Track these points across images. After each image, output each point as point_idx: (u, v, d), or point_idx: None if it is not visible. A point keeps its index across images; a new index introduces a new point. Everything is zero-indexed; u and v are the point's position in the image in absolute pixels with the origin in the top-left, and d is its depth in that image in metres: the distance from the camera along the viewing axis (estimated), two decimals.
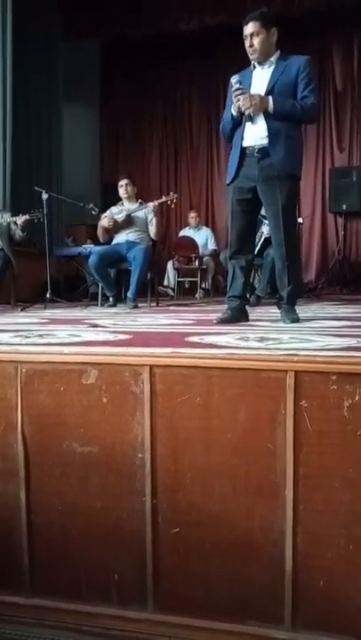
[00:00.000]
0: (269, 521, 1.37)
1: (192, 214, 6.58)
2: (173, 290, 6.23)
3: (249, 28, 2.50)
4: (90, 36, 6.66)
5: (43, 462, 1.50)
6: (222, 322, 2.58)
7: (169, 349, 1.48)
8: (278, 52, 2.57)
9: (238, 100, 2.46)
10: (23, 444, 1.51)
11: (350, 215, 6.75)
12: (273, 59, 2.56)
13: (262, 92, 2.49)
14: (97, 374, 1.44)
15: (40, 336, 1.92)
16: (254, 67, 2.60)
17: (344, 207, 6.56)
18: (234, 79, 2.52)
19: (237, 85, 2.49)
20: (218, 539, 1.41)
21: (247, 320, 2.70)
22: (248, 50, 2.54)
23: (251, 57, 2.57)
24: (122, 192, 4.55)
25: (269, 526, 1.38)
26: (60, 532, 1.51)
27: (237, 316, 2.66)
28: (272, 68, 2.54)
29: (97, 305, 4.50)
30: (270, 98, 2.45)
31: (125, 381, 1.43)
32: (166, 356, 1.44)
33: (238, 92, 2.47)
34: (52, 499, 1.50)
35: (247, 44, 2.52)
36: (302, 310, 3.11)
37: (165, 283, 6.35)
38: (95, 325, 2.49)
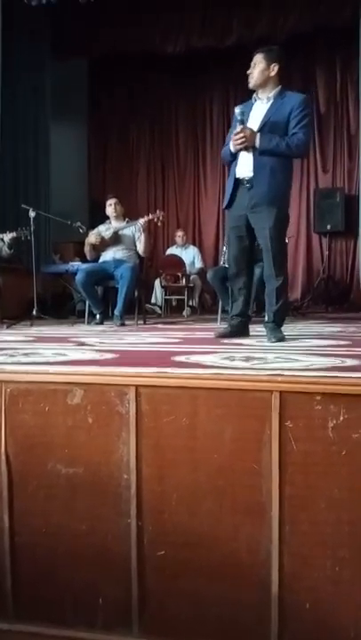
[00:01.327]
0: (256, 541, 1.37)
1: (179, 233, 6.65)
2: (161, 308, 6.25)
3: (254, 59, 2.71)
4: (78, 54, 6.75)
5: (27, 483, 1.48)
6: (222, 336, 2.79)
7: (155, 369, 1.48)
8: (279, 87, 2.72)
9: (236, 139, 2.64)
10: (7, 464, 1.49)
11: (335, 235, 6.86)
12: (272, 95, 2.71)
13: (256, 126, 2.66)
14: (82, 394, 1.43)
15: (25, 354, 1.91)
16: (255, 100, 2.78)
17: (329, 227, 6.67)
18: (238, 109, 2.69)
19: (240, 117, 2.66)
20: (204, 560, 1.40)
21: (248, 336, 2.87)
22: (249, 77, 2.73)
23: (249, 84, 2.75)
24: (110, 211, 4.58)
25: (256, 547, 1.37)
26: (44, 554, 1.49)
27: (238, 332, 2.84)
28: (270, 103, 2.70)
29: (84, 322, 4.49)
30: (258, 135, 2.64)
31: (111, 401, 1.43)
32: (152, 376, 1.44)
33: (238, 130, 2.64)
34: (36, 520, 1.48)
35: (249, 71, 2.72)
36: (288, 329, 3.14)
37: (153, 300, 6.37)
38: (81, 344, 2.49)
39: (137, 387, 1.42)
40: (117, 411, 1.42)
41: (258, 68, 2.68)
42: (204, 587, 1.40)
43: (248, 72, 2.72)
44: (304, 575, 1.34)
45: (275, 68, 2.68)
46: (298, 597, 1.35)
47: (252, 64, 2.70)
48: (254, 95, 2.78)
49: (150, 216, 4.46)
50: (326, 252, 6.92)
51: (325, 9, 5.81)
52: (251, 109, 2.75)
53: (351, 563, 1.31)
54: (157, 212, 4.61)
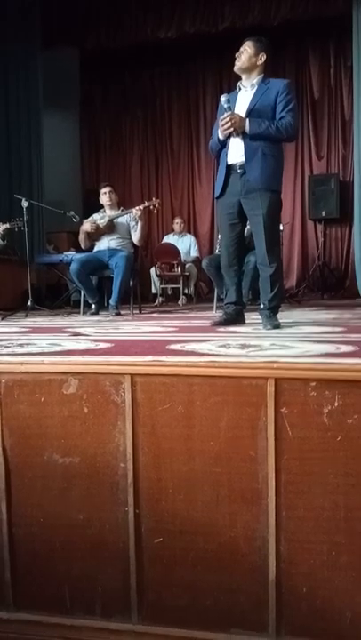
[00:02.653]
0: (253, 528, 1.38)
1: (177, 220, 6.60)
2: (157, 296, 6.24)
3: (244, 44, 2.76)
4: (69, 44, 6.66)
5: (23, 474, 1.48)
6: (218, 324, 2.80)
7: (150, 358, 1.47)
8: (262, 75, 2.78)
9: (223, 124, 2.66)
10: (3, 455, 1.49)
11: (330, 222, 6.84)
12: (255, 81, 2.76)
13: (243, 113, 2.70)
14: (78, 384, 1.43)
15: (20, 345, 1.90)
16: (239, 89, 2.82)
17: (323, 214, 6.65)
18: (223, 98, 2.73)
19: (226, 105, 2.69)
20: (202, 547, 1.41)
21: (243, 323, 2.89)
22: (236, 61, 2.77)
23: (235, 67, 2.78)
24: (105, 199, 4.54)
25: (253, 534, 1.38)
26: (43, 544, 1.49)
27: (233, 320, 2.86)
28: (255, 90, 2.75)
29: (79, 313, 4.47)
30: (247, 120, 2.66)
31: (106, 391, 1.42)
32: (147, 364, 1.44)
33: (224, 116, 2.67)
34: (34, 511, 1.49)
35: (237, 54, 2.76)
36: (284, 316, 3.14)
37: (154, 291, 6.35)
38: (77, 334, 2.48)
39: (132, 375, 1.41)
40: (113, 400, 1.42)
41: (246, 53, 2.72)
42: (201, 574, 1.41)
43: (236, 54, 2.75)
44: (301, 561, 1.35)
45: (262, 58, 2.74)
46: (295, 583, 1.36)
47: (241, 49, 2.74)
48: (239, 84, 2.84)
49: (146, 203, 4.42)
50: (321, 239, 6.91)
51: None
52: (236, 98, 2.78)
53: (347, 548, 1.32)
54: (153, 199, 4.58)
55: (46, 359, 1.51)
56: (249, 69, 2.75)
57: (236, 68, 2.78)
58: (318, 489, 1.33)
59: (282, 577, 1.36)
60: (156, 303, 5.99)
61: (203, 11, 6.18)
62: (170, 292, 6.48)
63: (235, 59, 2.77)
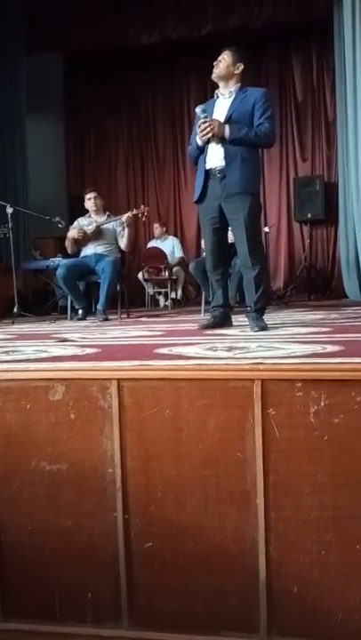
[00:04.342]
0: (242, 530, 1.38)
1: (156, 225, 6.63)
2: (154, 301, 6.27)
3: (222, 54, 2.80)
4: (52, 48, 6.65)
5: (11, 482, 1.47)
6: (206, 327, 2.82)
7: (137, 362, 1.47)
8: (239, 84, 2.82)
9: (202, 129, 2.70)
10: None
11: (315, 223, 6.89)
12: (233, 89, 2.80)
13: (222, 120, 2.72)
14: (64, 390, 1.42)
15: (6, 352, 1.89)
16: (217, 96, 2.86)
17: (309, 215, 6.69)
18: (198, 109, 2.77)
19: (203, 115, 2.73)
20: (192, 550, 1.41)
21: (231, 326, 2.91)
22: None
23: (212, 75, 2.82)
24: (90, 205, 4.54)
25: (242, 535, 1.38)
26: (31, 552, 1.48)
27: (221, 322, 2.88)
28: (232, 97, 2.79)
29: (66, 318, 4.46)
30: (227, 126, 2.70)
31: (93, 396, 1.42)
32: (134, 369, 1.43)
33: (203, 120, 2.70)
34: (22, 518, 1.47)
35: (215, 62, 2.80)
36: (271, 318, 3.15)
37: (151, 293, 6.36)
38: (63, 340, 2.47)
39: (119, 380, 1.41)
40: (100, 405, 1.42)
41: (224, 62, 2.77)
42: (192, 577, 1.41)
43: (214, 63, 2.79)
44: (290, 561, 1.35)
45: (240, 67, 2.79)
46: (285, 583, 1.36)
47: (220, 58, 2.79)
48: (216, 92, 2.88)
49: (135, 211, 4.43)
50: (308, 241, 6.95)
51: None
52: (213, 106, 2.82)
53: (336, 546, 1.33)
54: (142, 207, 4.59)
55: (32, 366, 1.50)
56: (227, 77, 2.79)
57: (214, 76, 2.82)
58: (306, 489, 1.34)
59: (272, 577, 1.36)
60: (163, 306, 5.96)
61: (185, 14, 6.20)
62: (158, 297, 6.48)
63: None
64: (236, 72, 2.79)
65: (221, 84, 2.82)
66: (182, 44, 6.46)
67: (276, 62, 7.22)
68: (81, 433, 1.43)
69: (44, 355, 1.79)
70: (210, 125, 2.68)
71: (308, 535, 1.34)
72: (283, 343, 1.93)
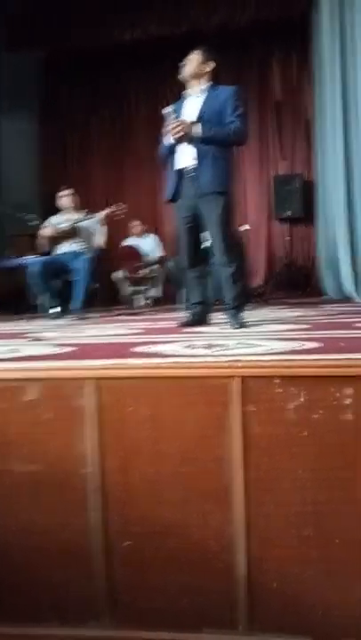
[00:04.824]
0: (222, 527, 1.38)
1: (135, 223, 6.57)
2: (133, 299, 6.22)
3: (190, 55, 2.81)
4: (32, 46, 6.55)
5: None
6: (184, 325, 2.81)
7: (114, 361, 1.46)
8: (210, 82, 2.82)
9: (172, 129, 2.69)
10: None
11: (295, 221, 6.93)
12: (204, 88, 2.80)
13: (193, 119, 2.71)
14: (39, 390, 1.40)
15: None
16: (186, 96, 2.86)
17: (289, 213, 6.73)
18: (165, 110, 2.77)
19: (172, 116, 2.72)
20: (172, 548, 1.40)
21: (209, 323, 2.91)
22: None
23: (179, 75, 2.84)
24: (66, 202, 4.49)
25: (223, 532, 1.38)
26: (10, 554, 1.45)
27: (199, 320, 2.88)
28: (204, 96, 2.79)
29: (41, 317, 4.40)
30: (199, 125, 2.69)
31: (70, 395, 1.39)
32: (111, 367, 1.42)
33: (172, 120, 2.70)
34: (1, 520, 1.44)
35: (182, 63, 2.81)
36: (250, 315, 3.16)
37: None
38: (39, 339, 2.43)
39: (96, 379, 1.39)
40: (76, 404, 1.40)
41: (193, 61, 2.78)
42: (172, 575, 1.40)
43: (180, 64, 2.79)
44: (270, 557, 1.35)
45: (210, 65, 2.79)
46: (265, 579, 1.36)
47: (188, 58, 2.79)
48: (183, 92, 2.87)
49: (113, 208, 4.39)
50: (287, 238, 6.99)
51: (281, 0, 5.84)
52: (182, 106, 2.82)
53: (316, 542, 1.33)
54: (120, 204, 4.55)
55: (6, 365, 1.47)
56: (198, 76, 2.79)
57: (182, 75, 2.81)
58: (286, 485, 1.34)
59: (252, 573, 1.36)
60: (145, 304, 5.93)
61: (168, 12, 6.18)
62: (137, 295, 6.45)
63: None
64: (207, 70, 2.79)
65: (191, 83, 2.82)
66: (164, 42, 6.44)
67: (256, 62, 7.24)
68: (57, 433, 1.40)
69: (17, 354, 1.76)
70: (179, 125, 2.67)
71: (289, 531, 1.34)
72: (262, 340, 1.93)
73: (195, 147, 2.69)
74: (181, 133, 2.67)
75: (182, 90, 2.92)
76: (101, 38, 6.35)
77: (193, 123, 2.68)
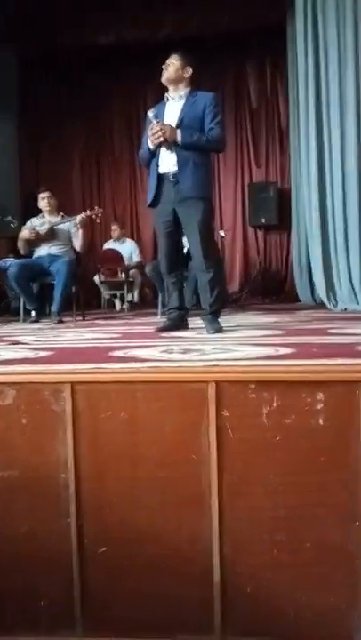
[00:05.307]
0: (197, 532, 1.39)
1: (114, 227, 6.57)
2: (110, 303, 6.21)
3: (170, 58, 2.81)
4: (5, 46, 6.49)
5: None
6: (162, 330, 2.80)
7: (91, 365, 1.46)
8: (189, 88, 2.85)
9: (153, 134, 2.71)
10: None
11: (269, 228, 7.02)
12: (183, 93, 2.83)
13: (173, 124, 2.74)
14: (15, 394, 1.39)
15: None
16: (168, 99, 2.88)
17: (263, 221, 6.81)
18: (151, 113, 2.77)
19: (155, 120, 2.73)
20: (147, 554, 1.40)
21: (187, 328, 2.92)
22: (162, 74, 2.82)
23: (162, 80, 2.84)
24: (43, 204, 4.45)
25: (197, 537, 1.39)
26: None
27: (177, 325, 2.89)
28: (183, 102, 2.82)
29: (19, 321, 4.35)
30: (179, 131, 2.71)
31: (46, 400, 1.39)
32: (88, 372, 1.42)
33: (155, 124, 2.71)
34: None
35: (163, 66, 2.81)
36: (226, 320, 3.19)
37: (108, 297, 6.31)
38: (15, 342, 2.41)
39: (72, 383, 1.39)
40: (53, 409, 1.39)
41: (173, 65, 2.79)
42: (147, 582, 1.40)
43: (163, 66, 2.81)
44: (244, 561, 1.37)
45: (188, 71, 2.82)
46: (239, 583, 1.37)
47: (168, 62, 2.81)
48: (166, 95, 2.89)
49: (88, 212, 4.37)
50: (262, 245, 7.08)
51: (256, 9, 5.92)
52: (164, 110, 2.84)
53: (288, 546, 1.36)
54: (95, 208, 4.53)
55: None
56: (176, 81, 2.82)
57: (163, 79, 2.84)
58: (259, 489, 1.36)
59: (226, 578, 1.37)
60: (120, 309, 5.92)
61: (142, 18, 6.21)
62: (114, 299, 6.44)
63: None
64: (186, 75, 2.82)
65: (171, 88, 2.84)
66: (140, 47, 6.46)
67: (232, 70, 7.33)
68: (33, 438, 1.40)
69: None
70: (161, 130, 2.69)
71: (261, 535, 1.36)
72: (237, 345, 1.95)
73: (175, 152, 2.71)
74: (161, 139, 2.70)
75: (159, 94, 2.95)
76: (75, 41, 6.34)
77: (172, 128, 2.71)
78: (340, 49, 4.48)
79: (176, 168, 2.73)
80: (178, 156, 2.72)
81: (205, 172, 2.81)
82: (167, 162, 2.75)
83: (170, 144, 2.71)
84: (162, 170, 2.78)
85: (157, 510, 1.39)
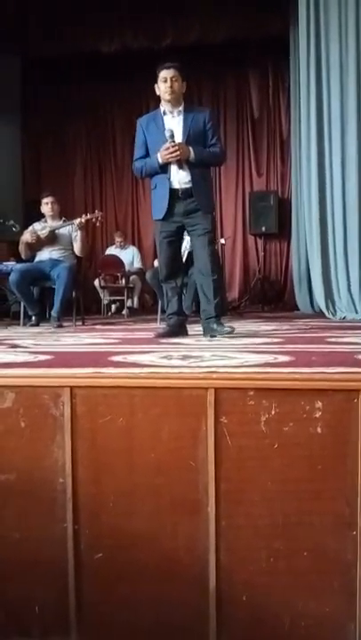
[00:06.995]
0: (194, 539, 1.38)
1: (118, 239, 6.63)
2: (110, 309, 6.22)
3: (170, 73, 2.79)
4: (9, 52, 6.54)
5: None
6: (161, 336, 2.83)
7: (90, 370, 1.46)
8: (183, 103, 2.88)
9: (170, 153, 2.72)
10: None
11: (269, 237, 7.05)
12: (180, 108, 2.87)
13: (178, 140, 2.78)
14: (14, 397, 1.39)
15: None
16: (165, 113, 2.88)
17: (263, 229, 6.85)
18: (168, 133, 2.76)
19: (170, 140, 2.74)
20: (143, 561, 1.40)
21: (186, 334, 2.95)
22: (167, 90, 2.80)
23: (168, 97, 2.82)
24: (46, 209, 4.46)
25: (194, 544, 1.38)
26: None
27: (176, 331, 2.92)
28: (181, 116, 2.85)
29: (19, 324, 4.35)
30: (191, 148, 2.77)
31: (44, 404, 1.39)
32: (87, 376, 1.42)
33: (170, 144, 2.73)
34: None
35: (167, 84, 2.79)
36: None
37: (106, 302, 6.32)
38: (15, 346, 2.41)
39: (72, 388, 1.39)
40: (51, 413, 1.39)
41: (178, 83, 2.80)
42: (142, 589, 1.40)
43: (168, 86, 2.77)
44: (240, 569, 1.37)
45: (184, 85, 2.86)
46: (234, 591, 1.37)
47: (169, 78, 2.78)
48: (163, 109, 2.87)
49: (88, 216, 4.38)
50: (262, 254, 7.10)
51: (258, 19, 5.97)
52: (162, 123, 2.85)
53: (285, 553, 1.35)
54: (96, 212, 4.55)
55: None
56: (180, 97, 2.85)
57: (170, 99, 2.80)
58: (257, 496, 1.36)
59: (222, 586, 1.37)
60: (120, 314, 5.93)
61: (145, 27, 6.26)
62: (114, 304, 6.45)
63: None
64: (184, 90, 2.87)
65: (172, 102, 2.83)
66: (142, 55, 6.51)
67: (233, 79, 7.39)
68: (31, 442, 1.39)
69: None
70: (179, 150, 2.72)
71: (258, 542, 1.36)
72: (236, 352, 1.96)
73: (189, 169, 2.79)
74: (179, 157, 2.73)
75: (160, 102, 2.93)
76: (79, 48, 6.39)
77: (187, 147, 2.75)
78: (342, 60, 4.52)
79: (190, 185, 2.79)
80: (192, 172, 2.78)
81: (211, 185, 2.99)
82: (180, 178, 2.80)
83: (183, 160, 2.77)
84: (175, 185, 2.81)
85: (154, 516, 1.39)
